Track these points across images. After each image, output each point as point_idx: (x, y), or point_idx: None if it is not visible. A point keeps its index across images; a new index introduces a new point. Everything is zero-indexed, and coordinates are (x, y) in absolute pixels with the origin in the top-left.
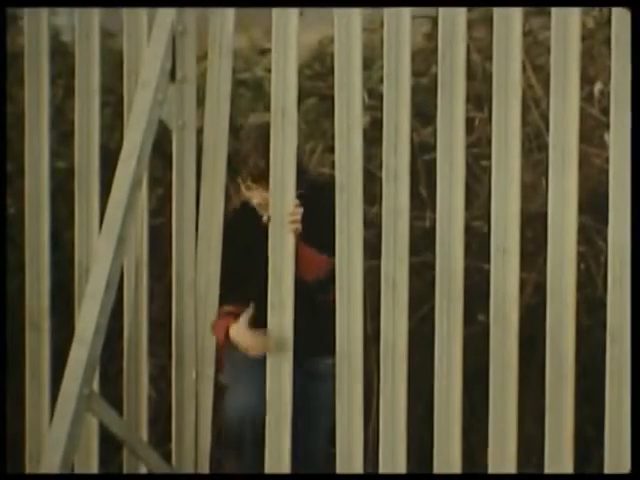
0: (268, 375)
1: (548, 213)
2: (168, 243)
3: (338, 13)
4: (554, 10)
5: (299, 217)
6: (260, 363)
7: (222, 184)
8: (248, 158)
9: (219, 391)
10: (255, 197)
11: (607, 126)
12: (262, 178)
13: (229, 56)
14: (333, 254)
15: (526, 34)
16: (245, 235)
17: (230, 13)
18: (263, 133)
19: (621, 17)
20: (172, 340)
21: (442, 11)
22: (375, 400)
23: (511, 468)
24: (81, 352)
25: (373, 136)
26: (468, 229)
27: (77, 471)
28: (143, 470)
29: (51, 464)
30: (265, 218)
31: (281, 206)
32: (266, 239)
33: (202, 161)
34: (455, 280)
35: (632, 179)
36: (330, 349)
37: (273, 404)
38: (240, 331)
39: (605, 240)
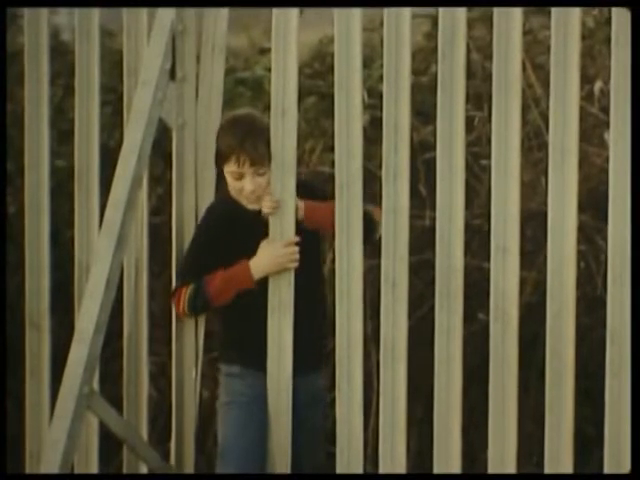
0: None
1: (548, 212)
2: (168, 242)
3: (338, 12)
4: (554, 9)
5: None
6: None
7: (213, 182)
8: (245, 142)
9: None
10: (248, 184)
11: (607, 125)
12: (261, 160)
13: (222, 55)
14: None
15: (526, 33)
16: (237, 231)
17: (224, 12)
18: (253, 120)
19: (621, 16)
20: (172, 339)
21: (442, 10)
22: (375, 399)
23: (511, 468)
24: (81, 351)
25: (373, 135)
26: (468, 228)
27: (77, 470)
28: (143, 469)
29: (51, 463)
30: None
31: (281, 205)
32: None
33: (196, 159)
34: (455, 279)
35: (632, 178)
36: (317, 363)
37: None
38: (257, 265)
39: (605, 239)
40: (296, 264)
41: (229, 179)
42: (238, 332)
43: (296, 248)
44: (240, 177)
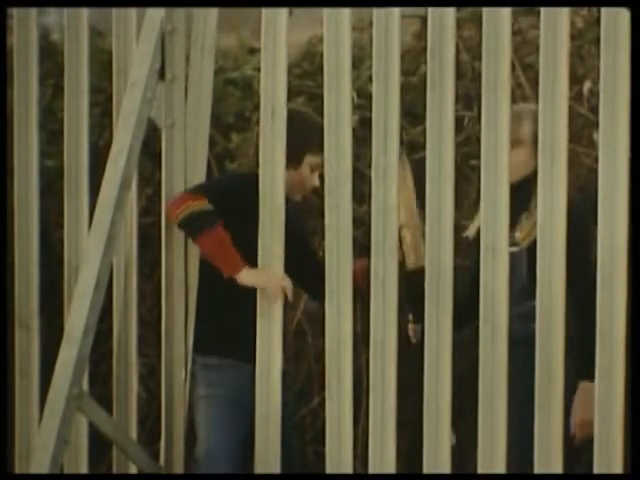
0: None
1: (537, 212)
2: (157, 242)
3: (327, 12)
4: (543, 9)
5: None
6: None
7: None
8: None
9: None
10: (316, 179)
11: (596, 125)
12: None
13: (211, 55)
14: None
15: (515, 33)
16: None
17: (214, 12)
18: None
19: (610, 17)
20: (162, 340)
21: (431, 10)
22: (365, 399)
23: (500, 468)
24: (70, 351)
25: (362, 135)
26: (457, 228)
27: (66, 471)
28: (133, 470)
29: (40, 464)
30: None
31: (271, 205)
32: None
33: (185, 160)
34: (444, 279)
35: (623, 179)
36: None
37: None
38: (251, 273)
39: (595, 239)
40: (279, 300)
41: (307, 171)
42: (214, 322)
43: (287, 285)
44: (315, 170)
